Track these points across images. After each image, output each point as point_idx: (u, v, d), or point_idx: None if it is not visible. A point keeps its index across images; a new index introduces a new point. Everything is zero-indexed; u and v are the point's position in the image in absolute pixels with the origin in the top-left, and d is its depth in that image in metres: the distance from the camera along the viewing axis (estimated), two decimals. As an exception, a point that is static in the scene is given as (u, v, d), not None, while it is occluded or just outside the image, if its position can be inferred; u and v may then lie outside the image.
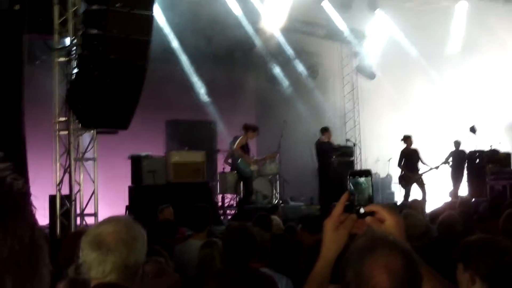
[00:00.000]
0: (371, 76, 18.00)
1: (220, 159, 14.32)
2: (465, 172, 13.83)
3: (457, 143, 14.06)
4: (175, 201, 8.59)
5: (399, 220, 1.69)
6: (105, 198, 9.96)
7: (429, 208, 10.02)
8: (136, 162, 11.12)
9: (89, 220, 9.02)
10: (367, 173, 1.75)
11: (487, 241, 2.61)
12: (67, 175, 8.93)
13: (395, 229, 1.65)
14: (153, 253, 3.65)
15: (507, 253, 2.49)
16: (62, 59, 8.97)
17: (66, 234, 7.21)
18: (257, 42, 15.98)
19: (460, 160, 13.84)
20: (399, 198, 14.77)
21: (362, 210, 1.68)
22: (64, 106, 8.88)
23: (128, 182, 11.23)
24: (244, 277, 3.62)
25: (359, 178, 1.73)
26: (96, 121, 8.70)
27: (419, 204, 8.44)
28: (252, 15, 15.52)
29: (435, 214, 7.02)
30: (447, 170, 13.97)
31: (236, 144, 11.67)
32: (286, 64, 16.97)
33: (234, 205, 13.20)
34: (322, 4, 16.76)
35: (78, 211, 8.99)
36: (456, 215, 5.26)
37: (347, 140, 15.47)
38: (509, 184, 11.93)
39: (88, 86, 8.17)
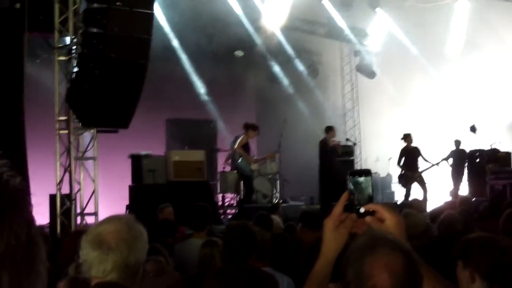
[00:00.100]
0: (371, 75, 17.98)
1: (220, 158, 14.31)
2: (465, 171, 13.82)
3: (457, 142, 14.06)
4: (176, 200, 8.58)
5: (399, 219, 1.69)
6: (105, 197, 9.96)
7: (429, 207, 10.03)
8: (136, 161, 11.13)
9: (89, 220, 9.01)
10: (367, 172, 1.75)
11: (487, 239, 2.61)
12: (67, 174, 8.92)
13: (395, 228, 1.65)
14: (153, 251, 3.65)
15: (507, 252, 2.50)
16: (62, 57, 8.97)
17: (67, 234, 7.22)
18: (258, 40, 15.99)
19: (460, 159, 13.83)
20: (399, 197, 14.76)
21: (362, 210, 1.69)
22: (64, 105, 8.87)
23: (128, 181, 11.23)
24: (244, 275, 3.62)
25: (359, 178, 1.73)
26: (96, 120, 8.69)
27: (420, 204, 8.45)
28: (253, 13, 15.52)
29: (436, 213, 7.01)
30: (447, 169, 13.97)
31: (237, 143, 11.67)
32: (286, 63, 16.97)
33: (234, 204, 13.20)
34: (323, 2, 16.75)
35: (78, 210, 8.99)
36: (457, 215, 5.26)
37: (347, 139, 15.46)
38: (509, 183, 11.92)
39: (89, 85, 8.16)
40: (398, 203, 12.87)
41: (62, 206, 8.79)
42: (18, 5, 8.50)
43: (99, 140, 9.33)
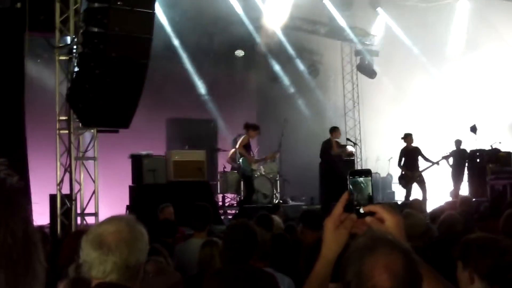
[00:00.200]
0: (372, 74, 17.99)
1: (221, 158, 14.31)
2: (466, 171, 13.81)
3: (458, 142, 14.05)
4: (176, 200, 8.58)
5: (399, 219, 1.69)
6: (105, 198, 9.96)
7: (429, 207, 10.02)
8: (137, 161, 11.12)
9: (90, 220, 9.01)
10: (367, 172, 1.75)
11: (486, 240, 2.61)
12: (67, 174, 8.92)
13: (395, 229, 1.65)
14: (153, 252, 3.65)
15: (506, 253, 2.49)
16: (63, 57, 8.96)
17: (67, 234, 7.21)
18: (258, 40, 15.99)
19: (461, 159, 13.82)
20: (399, 197, 14.76)
21: (362, 210, 1.69)
22: (65, 104, 8.87)
23: (128, 181, 11.23)
24: (245, 275, 3.62)
25: (359, 178, 1.73)
26: (97, 119, 8.68)
27: (419, 204, 8.45)
28: (253, 13, 15.53)
29: (436, 213, 7.01)
30: (447, 169, 13.96)
31: (238, 143, 11.68)
32: (287, 63, 16.98)
33: (235, 204, 13.20)
34: (324, 2, 16.76)
35: (78, 211, 8.98)
36: (457, 215, 5.25)
37: (348, 139, 15.46)
38: (510, 183, 11.90)
39: (89, 85, 8.15)
40: (399, 203, 12.86)
41: (62, 206, 8.78)
42: (18, 5, 8.51)
43: (99, 140, 9.32)
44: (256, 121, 13.49)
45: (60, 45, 8.97)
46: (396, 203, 13.18)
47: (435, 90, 17.61)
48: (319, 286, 1.74)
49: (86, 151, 9.27)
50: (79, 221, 8.97)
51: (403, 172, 13.06)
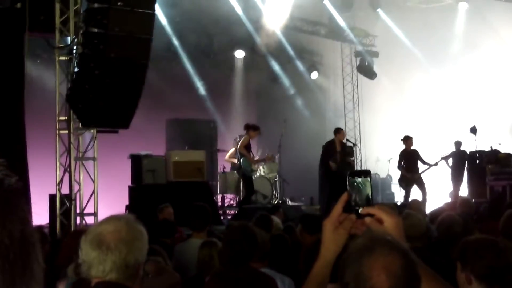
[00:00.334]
0: (371, 75, 17.99)
1: (220, 158, 14.31)
2: (465, 172, 13.81)
3: (457, 144, 14.05)
4: (175, 200, 8.58)
5: (398, 220, 1.69)
6: (105, 198, 9.95)
7: (429, 208, 10.01)
8: (136, 161, 11.12)
9: (89, 220, 9.01)
10: (366, 173, 1.76)
11: (483, 241, 2.61)
12: (67, 175, 8.92)
13: (394, 229, 1.66)
14: (151, 252, 3.65)
15: (502, 254, 2.49)
16: (63, 57, 8.96)
17: (66, 234, 7.20)
18: (259, 40, 15.99)
19: (460, 160, 13.82)
20: (399, 198, 14.75)
21: (361, 211, 1.69)
22: (65, 105, 8.87)
23: (128, 181, 11.23)
24: (245, 276, 3.61)
25: (359, 179, 1.73)
26: (96, 120, 8.68)
27: (419, 204, 8.44)
28: (253, 13, 15.53)
29: (436, 214, 7.00)
30: (447, 170, 13.96)
31: (239, 144, 11.68)
32: (287, 63, 16.99)
33: (234, 205, 13.20)
34: (324, 3, 16.76)
35: (78, 211, 8.98)
36: (455, 215, 5.25)
37: (347, 140, 15.46)
38: (509, 184, 11.91)
39: (89, 85, 8.15)
40: (398, 204, 12.85)
41: (62, 206, 8.78)
42: (18, 5, 8.51)
43: (99, 140, 9.32)
44: (256, 121, 13.50)
45: (60, 45, 8.97)
46: (395, 204, 13.17)
47: (435, 91, 17.61)
48: (318, 287, 1.74)
49: (85, 151, 9.26)
50: (78, 221, 8.97)
51: (403, 175, 13.06)
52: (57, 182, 8.91)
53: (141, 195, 10.65)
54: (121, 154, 11.68)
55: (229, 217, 12.38)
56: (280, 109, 15.60)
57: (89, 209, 9.09)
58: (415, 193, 12.81)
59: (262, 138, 13.73)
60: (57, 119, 9.01)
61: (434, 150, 14.44)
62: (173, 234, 6.30)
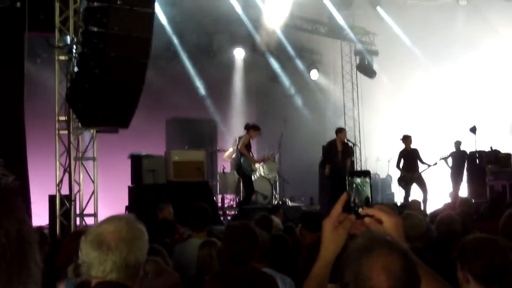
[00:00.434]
0: (371, 74, 17.99)
1: (220, 158, 14.30)
2: (465, 172, 13.80)
3: (457, 143, 14.04)
4: (175, 200, 8.57)
5: (397, 221, 1.69)
6: (105, 198, 9.95)
7: (430, 208, 10.01)
8: (136, 161, 11.11)
9: (89, 220, 9.00)
10: (366, 173, 1.76)
11: (481, 241, 2.61)
12: (67, 175, 8.91)
13: (394, 230, 1.65)
14: (152, 251, 3.65)
15: (500, 253, 2.49)
16: (62, 57, 8.96)
17: (66, 234, 7.20)
18: (258, 39, 15.99)
19: (460, 160, 13.81)
20: (399, 198, 14.74)
21: (360, 211, 1.69)
22: (65, 104, 8.87)
23: (128, 181, 11.22)
24: (246, 276, 3.61)
25: (358, 179, 1.73)
26: (96, 119, 8.68)
27: (419, 204, 8.44)
28: (253, 12, 15.52)
29: (436, 215, 7.00)
30: (446, 170, 13.95)
31: (240, 143, 11.68)
32: (287, 62, 16.98)
33: (234, 205, 13.19)
34: (324, 1, 16.76)
35: (77, 211, 8.97)
36: (455, 215, 5.25)
37: (347, 139, 15.46)
38: (509, 184, 11.91)
39: (89, 84, 8.15)
40: (398, 204, 12.85)
41: (62, 206, 8.77)
42: (18, 4, 8.51)
43: (98, 140, 9.32)
44: (256, 121, 13.48)
45: (60, 44, 8.97)
46: (395, 204, 13.16)
47: (435, 89, 17.60)
48: (318, 287, 1.74)
49: (85, 151, 9.26)
50: (78, 222, 8.97)
51: (402, 174, 13.04)
52: (57, 182, 8.90)
53: (141, 195, 10.64)
54: (121, 154, 11.67)
55: (229, 217, 12.37)
56: (280, 108, 15.59)
57: (89, 209, 9.08)
58: (415, 193, 12.80)
59: (262, 137, 13.73)
60: (56, 119, 9.00)
61: (434, 149, 14.43)
62: (173, 233, 6.29)
